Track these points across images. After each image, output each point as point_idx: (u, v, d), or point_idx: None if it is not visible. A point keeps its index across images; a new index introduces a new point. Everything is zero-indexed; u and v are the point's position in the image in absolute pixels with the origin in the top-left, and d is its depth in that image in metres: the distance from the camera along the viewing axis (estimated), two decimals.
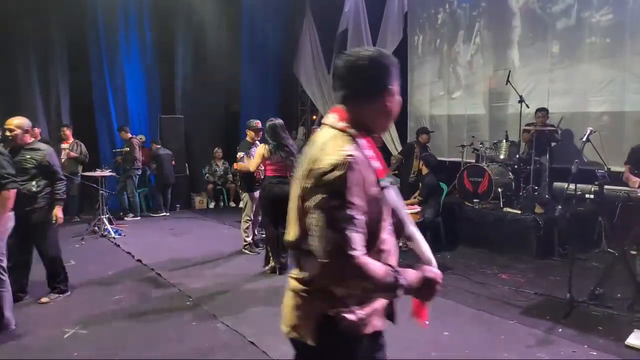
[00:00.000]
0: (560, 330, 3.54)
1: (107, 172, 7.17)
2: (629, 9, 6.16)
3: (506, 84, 6.46)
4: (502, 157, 6.45)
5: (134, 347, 3.34)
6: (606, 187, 3.89)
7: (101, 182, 6.93)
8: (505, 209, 6.01)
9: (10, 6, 7.88)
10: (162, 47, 9.59)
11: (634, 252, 4.15)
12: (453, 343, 3.38)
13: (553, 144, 6.51)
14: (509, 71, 6.56)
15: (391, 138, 9.55)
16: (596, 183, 3.89)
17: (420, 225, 5.78)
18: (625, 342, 3.26)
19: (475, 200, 6.33)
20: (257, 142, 5.86)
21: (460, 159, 7.60)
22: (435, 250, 5.24)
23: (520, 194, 6.26)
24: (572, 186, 4.00)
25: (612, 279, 4.19)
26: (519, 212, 5.85)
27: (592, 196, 3.92)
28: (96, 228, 6.92)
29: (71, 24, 8.55)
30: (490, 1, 7.76)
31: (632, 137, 6.06)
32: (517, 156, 6.47)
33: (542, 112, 6.40)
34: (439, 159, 8.65)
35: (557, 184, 4.21)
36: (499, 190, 6.16)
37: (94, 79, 8.89)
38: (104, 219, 6.89)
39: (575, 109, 6.82)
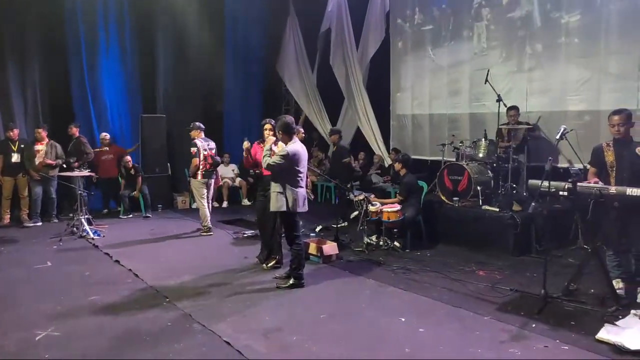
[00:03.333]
0: (534, 325, 3.59)
1: (85, 172, 7.08)
2: (597, 10, 6.28)
3: (485, 83, 6.53)
4: (481, 155, 6.52)
5: (107, 349, 3.30)
6: (579, 184, 3.95)
7: (87, 183, 6.84)
8: (484, 207, 6.07)
9: None
10: (143, 46, 9.48)
11: (606, 249, 4.22)
12: (428, 339, 3.41)
13: (529, 139, 6.60)
14: (488, 70, 6.62)
15: (374, 138, 9.59)
16: (570, 180, 3.95)
17: (401, 224, 5.88)
18: (596, 337, 3.31)
19: (455, 198, 6.38)
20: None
21: (441, 158, 7.66)
22: (416, 248, 5.33)
23: (499, 191, 6.34)
24: (546, 183, 4.05)
25: (586, 275, 4.26)
26: (497, 209, 5.92)
27: (566, 193, 3.98)
28: (74, 229, 6.82)
29: (49, 24, 8.42)
30: (468, 3, 7.84)
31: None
32: (496, 155, 6.54)
33: (513, 110, 6.50)
34: (422, 158, 8.81)
35: (532, 182, 4.27)
36: (478, 188, 6.21)
37: (73, 79, 8.75)
38: (83, 220, 6.79)
39: (552, 108, 6.93)
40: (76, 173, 6.90)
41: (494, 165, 6.52)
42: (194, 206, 9.28)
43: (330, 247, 5.52)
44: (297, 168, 4.48)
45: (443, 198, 6.59)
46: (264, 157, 4.52)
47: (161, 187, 9.10)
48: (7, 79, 8.07)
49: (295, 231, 4.58)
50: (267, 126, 5.16)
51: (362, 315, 3.88)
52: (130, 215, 8.36)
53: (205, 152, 6.87)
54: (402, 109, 9.42)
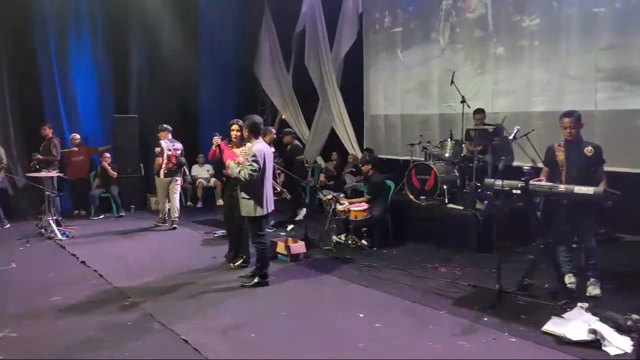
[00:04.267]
0: (485, 319, 3.71)
1: (53, 173, 7.02)
2: (555, 14, 6.49)
3: (450, 84, 6.67)
4: (447, 155, 6.67)
5: (65, 349, 3.31)
6: (532, 182, 4.09)
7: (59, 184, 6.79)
8: (449, 205, 6.21)
9: None
10: (115, 45, 9.41)
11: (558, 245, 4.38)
12: (382, 334, 3.50)
13: (495, 141, 6.77)
14: (453, 72, 6.77)
15: (348, 138, 9.68)
16: (522, 179, 4.09)
17: (368, 222, 5.99)
18: (542, 329, 3.45)
19: (422, 197, 6.52)
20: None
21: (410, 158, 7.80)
22: (383, 246, 5.42)
23: (465, 190, 6.49)
24: (499, 182, 4.19)
25: (542, 271, 4.41)
26: (462, 208, 6.06)
27: (519, 192, 4.12)
28: (43, 230, 6.76)
29: (17, 22, 8.30)
30: (436, 6, 8.00)
31: None
32: (462, 154, 6.70)
33: (480, 113, 6.67)
34: (394, 158, 8.94)
35: (487, 180, 4.40)
36: (445, 187, 6.36)
37: (43, 80, 8.64)
38: (51, 221, 6.74)
39: (517, 109, 7.11)
40: (43, 174, 6.83)
41: (461, 164, 6.67)
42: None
43: (298, 246, 5.59)
44: (263, 169, 4.54)
45: (411, 197, 6.72)
46: (239, 171, 4.49)
47: (134, 188, 9.05)
48: None
49: (260, 231, 4.64)
50: (235, 127, 5.22)
51: (322, 312, 3.96)
52: (101, 216, 8.31)
53: (170, 152, 7.29)
54: (375, 109, 9.54)
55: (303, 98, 10.80)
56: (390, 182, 6.63)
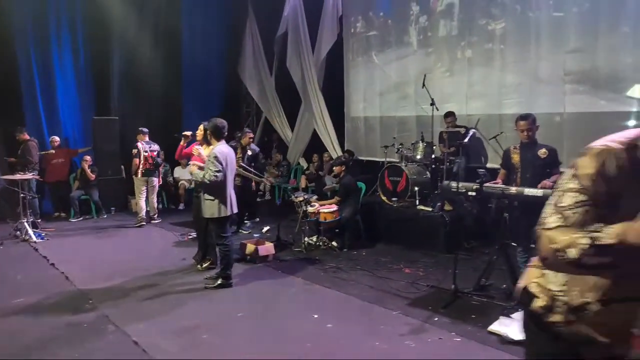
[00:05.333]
0: (436, 319, 3.78)
1: (29, 175, 7.06)
2: (520, 18, 6.59)
3: (422, 87, 6.74)
4: (418, 157, 6.73)
5: (17, 350, 3.36)
6: (486, 184, 4.17)
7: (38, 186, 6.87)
8: (419, 207, 6.28)
9: None
10: (96, 48, 9.44)
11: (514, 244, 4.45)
12: (332, 334, 3.56)
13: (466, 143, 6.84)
14: (424, 75, 6.84)
15: (330, 140, 9.74)
16: (477, 181, 4.16)
17: (338, 224, 6.05)
18: (488, 328, 3.52)
19: (394, 198, 6.58)
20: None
21: (390, 160, 7.85)
22: (354, 248, 5.49)
23: (436, 192, 6.55)
24: (456, 184, 4.26)
25: (503, 271, 4.46)
26: (430, 209, 6.13)
27: (474, 193, 4.19)
28: (18, 232, 6.79)
29: None
30: (407, 10, 8.09)
31: (540, 137, 6.45)
32: (433, 156, 6.77)
33: (450, 116, 6.75)
34: (374, 159, 9.01)
35: (444, 182, 4.47)
36: (416, 188, 6.42)
37: (23, 83, 8.65)
38: (25, 223, 6.77)
39: (490, 111, 7.19)
40: (18, 176, 6.87)
41: (432, 166, 6.74)
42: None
43: (266, 248, 5.64)
44: (225, 170, 4.59)
45: (383, 198, 6.78)
46: (202, 175, 4.53)
47: (114, 190, 9.08)
48: None
49: (223, 232, 4.69)
50: (201, 126, 5.29)
51: (278, 313, 4.02)
52: (81, 218, 8.35)
53: (146, 154, 7.70)
54: (355, 111, 9.61)
55: (286, 100, 10.87)
56: (361, 184, 6.69)
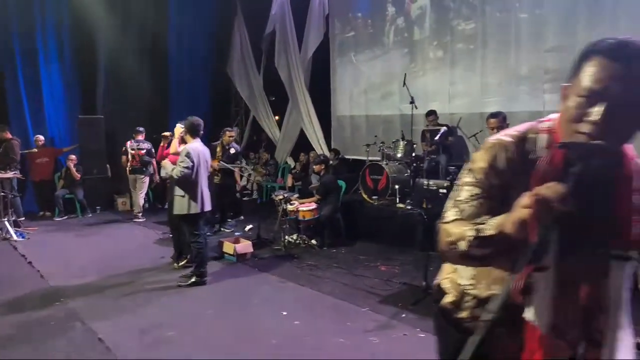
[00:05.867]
0: (404, 315, 3.79)
1: (9, 174, 7.06)
2: (498, 18, 6.67)
3: (403, 86, 6.76)
4: (399, 155, 6.74)
5: None
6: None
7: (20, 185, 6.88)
8: (398, 205, 6.29)
9: None
10: (82, 47, 9.41)
11: None
12: (299, 331, 3.57)
13: (449, 141, 6.86)
14: (405, 74, 6.86)
15: (317, 138, 9.76)
16: (447, 179, 4.18)
17: (316, 222, 6.06)
18: None
19: (374, 197, 6.60)
20: None
21: (375, 158, 7.87)
22: (334, 246, 5.50)
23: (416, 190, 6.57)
24: (427, 182, 4.27)
25: None
26: (409, 207, 6.14)
27: (445, 191, 4.20)
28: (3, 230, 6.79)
29: None
30: (383, 11, 8.14)
31: None
32: (414, 154, 6.78)
33: (431, 115, 6.76)
34: (360, 158, 9.01)
35: (418, 180, 4.48)
36: (396, 187, 6.43)
37: (8, 82, 8.65)
38: (6, 222, 6.76)
39: (472, 110, 7.21)
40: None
41: (414, 164, 6.75)
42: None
43: (244, 246, 5.65)
44: (198, 167, 4.60)
45: (364, 197, 6.80)
46: (172, 169, 4.54)
47: (100, 189, 9.08)
48: None
49: (196, 230, 4.69)
50: (178, 126, 5.29)
51: (248, 310, 4.03)
52: (65, 217, 8.33)
53: (133, 151, 7.96)
54: (341, 110, 9.63)
55: (274, 99, 10.89)
56: (342, 182, 6.70)
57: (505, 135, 1.25)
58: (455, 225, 1.21)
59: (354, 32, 8.89)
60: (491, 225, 1.12)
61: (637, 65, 1.04)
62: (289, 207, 6.13)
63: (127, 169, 8.10)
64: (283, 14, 10.18)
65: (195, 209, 4.57)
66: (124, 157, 8.16)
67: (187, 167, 4.44)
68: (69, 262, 5.53)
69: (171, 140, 5.96)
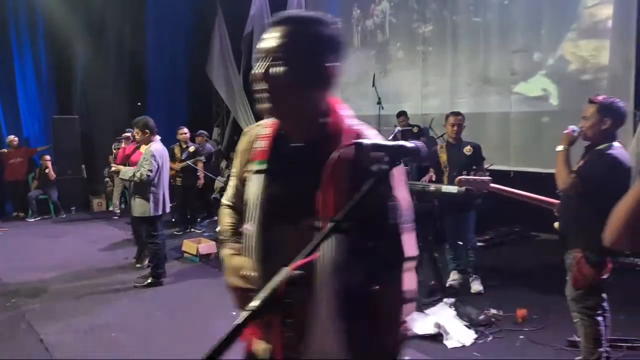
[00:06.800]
0: None
1: None
2: (468, 18, 6.73)
3: (372, 86, 6.77)
4: None
5: None
6: (408, 182, 4.19)
7: None
8: None
9: None
10: (57, 46, 9.32)
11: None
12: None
13: (421, 140, 6.88)
14: (374, 74, 6.89)
15: None
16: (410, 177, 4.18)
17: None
18: None
19: None
20: None
21: None
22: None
23: None
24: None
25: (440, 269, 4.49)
26: None
27: None
28: None
29: None
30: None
31: (493, 136, 6.52)
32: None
33: (402, 116, 6.79)
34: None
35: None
36: None
37: None
38: None
39: (443, 110, 7.22)
40: None
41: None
42: (110, 208, 9.31)
43: (208, 246, 5.63)
44: (161, 169, 4.58)
45: None
46: (130, 173, 4.53)
47: (75, 190, 9.04)
48: None
49: (154, 231, 4.68)
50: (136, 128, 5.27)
51: (199, 311, 4.02)
52: (39, 218, 8.29)
53: (115, 150, 7.65)
54: None
55: (254, 99, 10.84)
56: None
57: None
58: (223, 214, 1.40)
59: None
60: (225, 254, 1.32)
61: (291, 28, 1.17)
62: None
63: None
64: (261, 15, 10.17)
65: (155, 211, 4.55)
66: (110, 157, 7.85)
67: (151, 170, 4.42)
68: (32, 264, 5.48)
69: (133, 141, 5.89)
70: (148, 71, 10.52)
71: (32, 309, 4.03)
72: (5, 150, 8.32)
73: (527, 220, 6.05)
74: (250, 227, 1.23)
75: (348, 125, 1.23)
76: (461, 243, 4.44)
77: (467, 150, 4.28)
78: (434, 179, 4.56)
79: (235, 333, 0.85)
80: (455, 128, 4.37)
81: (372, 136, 1.21)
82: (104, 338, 3.48)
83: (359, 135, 1.20)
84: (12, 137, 8.53)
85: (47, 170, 8.39)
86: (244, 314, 0.87)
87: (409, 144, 1.05)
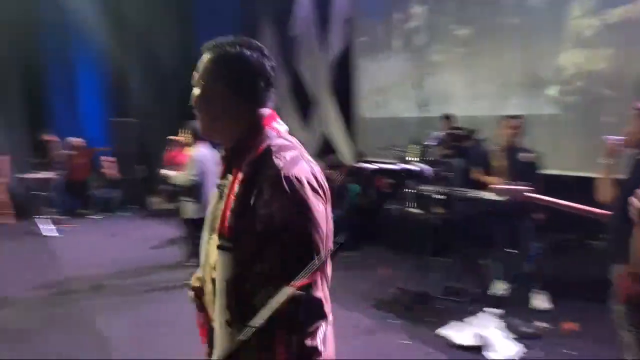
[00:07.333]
0: (390, 321, 3.80)
1: (50, 174, 7.62)
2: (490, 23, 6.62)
3: (416, 89, 6.70)
4: (410, 158, 6.66)
5: None
6: (453, 189, 4.13)
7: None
8: (408, 209, 6.23)
9: None
10: (115, 47, 9.69)
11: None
12: None
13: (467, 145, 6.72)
14: (418, 77, 6.81)
15: (339, 141, 9.79)
16: (443, 184, 4.13)
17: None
18: (435, 331, 3.50)
19: (386, 200, 6.58)
20: None
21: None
22: (342, 249, 5.47)
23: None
24: (425, 187, 4.24)
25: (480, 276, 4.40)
26: (420, 211, 6.07)
27: (440, 196, 4.16)
28: (39, 227, 7.33)
29: (21, 34, 8.86)
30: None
31: (544, 139, 6.26)
32: (431, 158, 6.67)
33: (447, 119, 6.66)
34: (380, 161, 8.98)
35: (417, 185, 4.45)
36: (406, 190, 6.37)
37: (50, 88, 9.32)
38: (43, 219, 7.30)
39: (490, 113, 7.01)
40: (39, 175, 7.43)
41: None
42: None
43: None
44: (205, 173, 4.77)
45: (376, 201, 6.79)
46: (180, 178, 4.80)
47: (133, 189, 9.54)
48: None
49: (199, 232, 4.86)
50: (185, 131, 5.50)
51: None
52: (101, 216, 8.83)
53: None
54: (363, 112, 9.65)
55: (298, 102, 11.00)
56: (354, 186, 6.73)
57: None
58: None
59: (372, 36, 8.89)
60: None
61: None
62: None
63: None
64: (307, 17, 10.31)
65: (200, 213, 4.74)
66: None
67: (195, 174, 4.63)
68: (93, 260, 5.87)
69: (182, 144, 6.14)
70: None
71: (91, 303, 4.33)
72: (74, 152, 8.92)
73: (582, 228, 5.76)
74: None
75: (265, 144, 1.25)
76: (515, 251, 4.23)
77: (524, 157, 4.09)
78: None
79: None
80: (512, 131, 4.18)
81: (287, 156, 1.22)
82: (157, 333, 3.68)
83: (265, 154, 1.23)
84: (76, 139, 9.15)
85: (107, 171, 8.94)
86: (247, 332, 0.95)
87: (414, 167, 1.08)
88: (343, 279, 4.91)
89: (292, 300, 1.08)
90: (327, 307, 1.24)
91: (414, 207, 6.22)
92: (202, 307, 1.43)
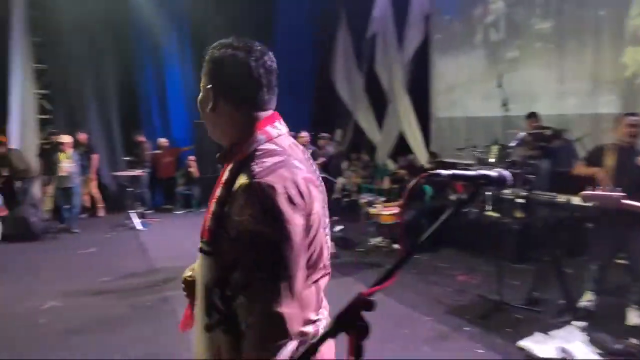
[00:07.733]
0: (467, 329, 3.65)
1: (138, 172, 8.22)
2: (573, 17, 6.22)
3: (499, 86, 6.37)
4: (492, 160, 6.37)
5: (96, 324, 4.03)
6: (535, 192, 3.89)
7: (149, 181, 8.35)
8: (487, 212, 5.96)
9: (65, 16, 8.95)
10: (198, 60, 10.38)
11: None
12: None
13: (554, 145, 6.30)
14: (502, 75, 6.47)
15: (416, 141, 9.58)
16: (526, 188, 3.90)
17: (400, 226, 6.03)
18: (516, 343, 3.31)
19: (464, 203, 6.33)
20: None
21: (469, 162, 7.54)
22: (418, 251, 5.42)
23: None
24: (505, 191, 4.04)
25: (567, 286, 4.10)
26: (499, 215, 5.78)
27: (522, 200, 3.94)
28: (127, 221, 7.94)
29: (117, 31, 9.57)
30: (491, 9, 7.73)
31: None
32: (512, 159, 6.33)
33: (532, 117, 6.28)
34: (458, 162, 8.67)
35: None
36: (487, 193, 6.10)
37: (140, 89, 10.06)
38: (132, 214, 7.90)
39: (581, 111, 6.56)
40: (128, 172, 8.03)
41: (509, 170, 6.32)
42: None
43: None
44: None
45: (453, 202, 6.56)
46: None
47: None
48: (82, 90, 9.45)
49: None
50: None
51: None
52: (184, 211, 9.39)
53: None
54: (441, 111, 9.38)
55: (375, 101, 10.94)
56: (427, 187, 6.56)
57: None
58: None
59: (451, 33, 8.61)
60: None
61: None
62: (371, 211, 6.19)
63: None
64: (384, 15, 10.21)
65: None
66: None
67: None
68: (176, 252, 6.21)
69: None
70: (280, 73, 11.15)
71: (174, 294, 4.60)
72: (160, 151, 9.57)
73: None
74: None
75: (252, 149, 1.23)
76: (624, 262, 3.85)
77: None
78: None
79: (310, 352, 0.94)
80: (631, 130, 3.76)
81: (267, 162, 1.18)
82: None
83: (247, 159, 1.20)
84: (163, 139, 9.80)
85: (191, 169, 9.48)
86: (320, 335, 0.96)
87: (493, 173, 1.02)
88: (417, 282, 4.83)
89: (250, 315, 1.09)
90: (294, 324, 1.12)
91: (492, 211, 5.98)
92: (192, 298, 1.41)
